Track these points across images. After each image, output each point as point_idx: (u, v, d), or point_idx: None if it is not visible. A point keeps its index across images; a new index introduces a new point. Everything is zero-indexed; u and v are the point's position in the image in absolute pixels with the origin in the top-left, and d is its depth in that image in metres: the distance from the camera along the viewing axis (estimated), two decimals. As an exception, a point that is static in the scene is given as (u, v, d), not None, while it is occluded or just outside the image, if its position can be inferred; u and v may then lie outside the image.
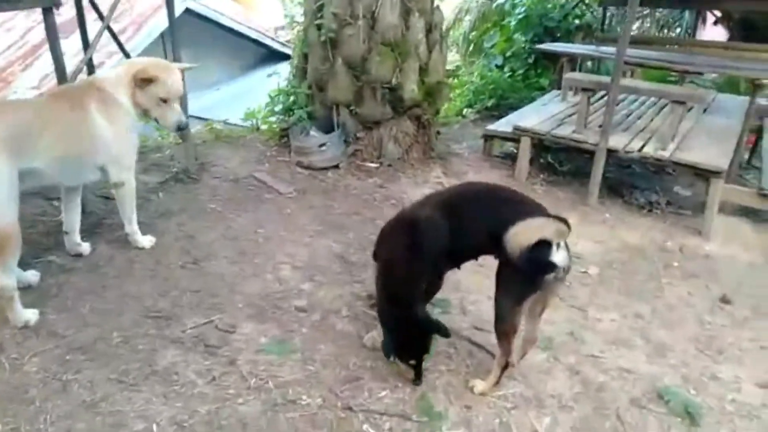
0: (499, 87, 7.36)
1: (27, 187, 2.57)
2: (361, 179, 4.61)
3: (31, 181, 2.58)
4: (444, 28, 5.59)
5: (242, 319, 2.75)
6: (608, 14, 8.21)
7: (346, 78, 4.61)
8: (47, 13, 3.08)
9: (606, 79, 4.88)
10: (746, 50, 6.67)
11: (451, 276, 2.61)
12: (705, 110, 5.81)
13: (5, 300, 2.46)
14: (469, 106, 7.39)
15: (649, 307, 3.21)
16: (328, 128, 4.78)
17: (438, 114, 5.31)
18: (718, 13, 9.04)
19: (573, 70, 6.83)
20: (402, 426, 2.21)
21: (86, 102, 2.75)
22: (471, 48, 9.75)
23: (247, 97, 6.75)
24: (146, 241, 3.27)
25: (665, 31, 11.12)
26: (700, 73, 6.89)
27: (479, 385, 2.40)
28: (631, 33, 5.17)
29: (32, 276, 2.82)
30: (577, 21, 8.01)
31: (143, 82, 2.85)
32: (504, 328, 2.24)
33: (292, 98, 5.03)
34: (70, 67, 3.35)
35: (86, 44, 3.76)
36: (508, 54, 8.02)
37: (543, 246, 2.07)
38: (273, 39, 11.20)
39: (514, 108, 6.32)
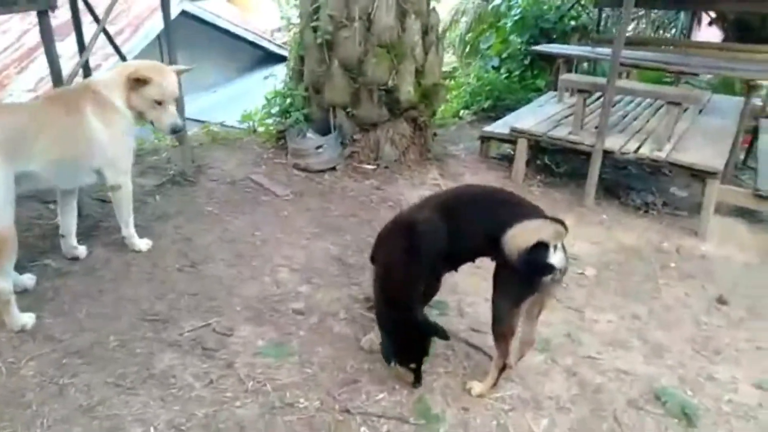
0: (495, 88, 7.37)
1: (23, 191, 2.57)
2: (358, 181, 4.61)
3: (27, 185, 2.57)
4: (440, 29, 5.60)
5: (240, 322, 2.75)
6: (604, 15, 8.23)
7: (342, 80, 4.61)
8: (42, 16, 3.07)
9: (602, 80, 4.90)
10: (741, 51, 6.71)
11: (449, 278, 2.61)
12: (700, 111, 5.83)
13: (1, 304, 2.45)
14: (466, 107, 7.40)
15: (646, 308, 3.22)
16: (324, 130, 4.78)
17: (434, 116, 5.32)
18: (713, 14, 9.08)
19: (569, 71, 6.85)
20: (399, 428, 2.21)
21: (82, 105, 2.75)
22: (467, 49, 9.77)
23: (244, 99, 6.74)
24: (143, 244, 3.26)
25: (661, 32, 11.15)
26: (696, 74, 6.93)
27: (477, 387, 2.40)
28: (627, 34, 5.19)
29: (28, 280, 2.81)
30: (572, 22, 8.04)
31: (137, 83, 2.84)
32: (502, 329, 2.25)
33: (288, 100, 5.03)
34: (66, 69, 3.34)
35: (82, 47, 3.75)
36: (505, 55, 8.04)
37: (540, 248, 2.08)
38: (269, 41, 11.19)
39: (510, 109, 6.33)
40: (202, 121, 6.08)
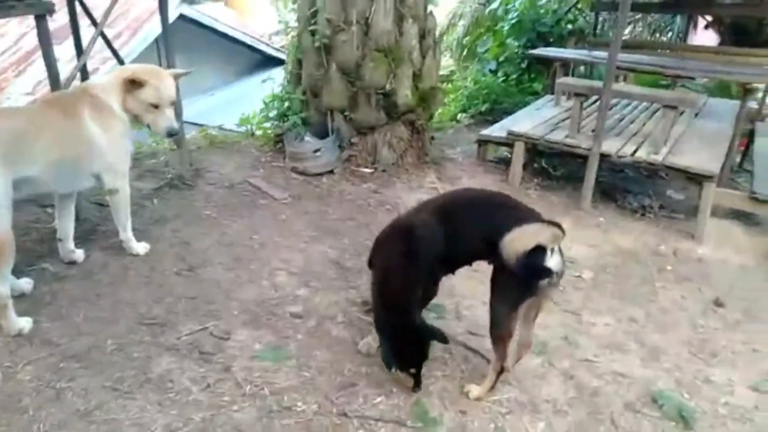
0: (492, 92, 7.39)
1: (21, 195, 2.56)
2: (355, 185, 4.62)
3: (25, 189, 2.57)
4: (437, 33, 5.61)
5: (237, 325, 2.75)
6: (600, 19, 8.26)
7: (340, 84, 4.63)
8: (40, 20, 3.08)
9: (598, 83, 4.91)
10: (737, 54, 6.73)
11: (446, 281, 2.62)
12: (696, 114, 5.85)
13: (-1, 308, 2.45)
14: (463, 111, 7.42)
15: (643, 311, 3.23)
16: (322, 134, 4.79)
17: (432, 119, 5.33)
18: (709, 18, 9.12)
19: (566, 74, 6.88)
20: (397, 432, 2.21)
21: (79, 109, 2.75)
22: (465, 53, 9.79)
23: (242, 102, 6.74)
24: (141, 247, 3.26)
25: (657, 35, 11.21)
26: (692, 78, 6.95)
27: (474, 390, 2.40)
28: (623, 37, 5.22)
29: (26, 284, 2.80)
30: (569, 26, 8.07)
31: (132, 86, 2.84)
32: (500, 333, 2.26)
33: (286, 104, 5.04)
34: (64, 73, 3.34)
35: (80, 50, 3.75)
36: (502, 59, 8.07)
37: (538, 252, 2.08)
38: (267, 44, 11.21)
39: (507, 113, 6.35)
40: (200, 125, 6.08)
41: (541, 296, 2.28)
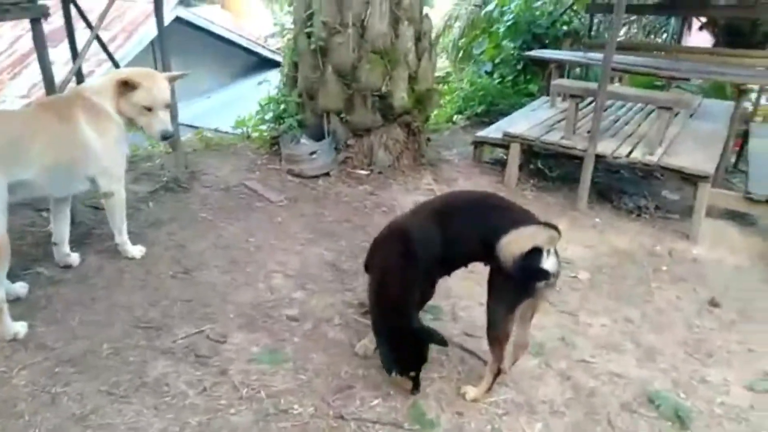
0: (488, 93, 7.41)
1: (16, 199, 2.56)
2: (351, 187, 4.62)
3: (20, 193, 2.57)
4: (433, 35, 5.63)
5: (233, 328, 2.74)
6: (595, 21, 8.28)
7: (336, 86, 4.63)
8: (35, 23, 3.07)
9: (593, 85, 4.93)
10: (731, 56, 6.78)
11: (442, 283, 2.61)
12: (691, 115, 5.88)
13: (-7, 312, 2.44)
14: (459, 112, 7.44)
15: (639, 311, 3.24)
16: (318, 136, 4.79)
17: (428, 121, 5.34)
18: (704, 20, 9.17)
19: (561, 76, 6.90)
20: (394, 434, 2.21)
21: (74, 112, 2.74)
22: (460, 55, 9.81)
23: (238, 105, 6.75)
24: (136, 251, 3.25)
25: (652, 37, 11.26)
26: (687, 79, 6.98)
27: (471, 391, 2.40)
28: (618, 39, 5.23)
29: (21, 288, 2.79)
30: (564, 28, 8.10)
31: (126, 89, 2.84)
32: (497, 334, 2.26)
33: (282, 106, 5.04)
34: (59, 76, 3.33)
35: (75, 53, 3.75)
36: (497, 60, 8.09)
37: (535, 253, 2.09)
38: (263, 47, 11.22)
39: (503, 114, 6.36)
40: (196, 127, 6.09)
41: (537, 297, 2.29)
